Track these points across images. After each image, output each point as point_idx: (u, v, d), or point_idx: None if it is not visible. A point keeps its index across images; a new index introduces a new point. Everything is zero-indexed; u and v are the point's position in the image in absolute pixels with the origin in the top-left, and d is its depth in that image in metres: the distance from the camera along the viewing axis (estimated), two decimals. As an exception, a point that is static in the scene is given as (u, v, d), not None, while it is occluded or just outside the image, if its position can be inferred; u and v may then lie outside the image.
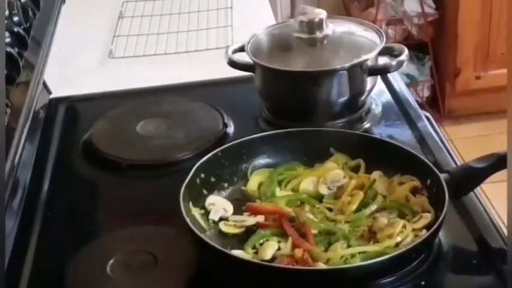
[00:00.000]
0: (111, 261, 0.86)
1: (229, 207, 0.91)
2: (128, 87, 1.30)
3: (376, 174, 0.92)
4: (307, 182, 0.93)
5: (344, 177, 0.93)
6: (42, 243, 0.94)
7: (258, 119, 1.14)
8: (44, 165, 1.09)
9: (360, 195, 0.88)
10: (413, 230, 0.83)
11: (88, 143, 1.12)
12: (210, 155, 0.94)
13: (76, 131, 1.18)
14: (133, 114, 1.17)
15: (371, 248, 0.82)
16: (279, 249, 0.83)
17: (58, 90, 1.28)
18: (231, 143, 0.98)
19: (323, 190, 0.92)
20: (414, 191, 0.90)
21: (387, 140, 0.98)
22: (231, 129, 1.12)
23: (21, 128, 0.92)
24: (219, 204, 0.91)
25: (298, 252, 0.80)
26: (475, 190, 0.93)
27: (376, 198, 0.88)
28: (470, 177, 0.89)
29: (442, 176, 0.87)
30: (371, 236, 0.84)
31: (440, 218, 0.80)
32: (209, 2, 1.62)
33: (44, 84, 1.23)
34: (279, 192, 0.93)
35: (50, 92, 1.27)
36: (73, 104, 1.27)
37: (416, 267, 0.82)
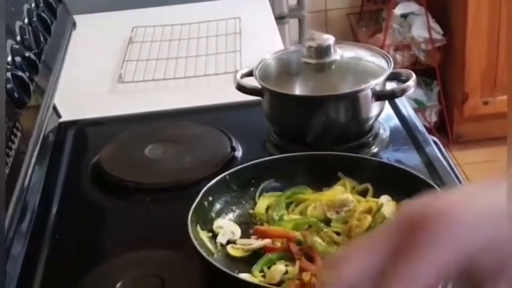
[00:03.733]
0: (119, 285, 0.85)
1: (237, 231, 0.91)
2: (137, 111, 1.31)
3: (384, 199, 0.92)
4: (315, 206, 0.93)
5: (352, 201, 0.92)
6: (50, 266, 0.94)
7: (265, 143, 1.14)
8: (53, 188, 1.10)
9: (368, 219, 0.88)
10: None
11: (96, 167, 1.13)
12: (218, 178, 0.94)
13: (85, 155, 1.19)
14: (141, 138, 1.18)
15: None
16: (286, 272, 0.83)
17: (68, 114, 1.29)
18: (239, 167, 0.98)
19: (331, 214, 0.92)
20: None
21: (395, 164, 0.98)
22: (239, 153, 1.12)
23: (31, 151, 0.92)
24: (226, 227, 0.91)
25: (306, 276, 0.80)
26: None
27: (384, 223, 0.88)
28: None
29: None
30: None
31: None
32: (218, 28, 1.64)
33: (54, 108, 1.24)
34: (286, 215, 0.93)
35: (59, 116, 1.28)
36: (82, 128, 1.28)
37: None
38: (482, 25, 2.70)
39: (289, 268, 0.83)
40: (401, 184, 0.93)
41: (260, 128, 1.16)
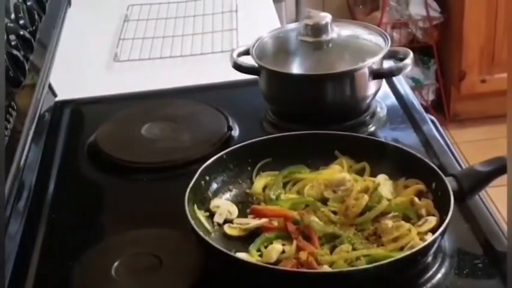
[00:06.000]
0: (116, 264, 0.86)
1: (234, 210, 0.91)
2: (133, 90, 1.30)
3: (381, 178, 0.92)
4: (312, 185, 0.93)
5: (349, 180, 0.92)
6: (47, 245, 0.94)
7: (262, 122, 1.14)
8: (50, 167, 1.09)
9: (365, 198, 0.88)
10: (418, 233, 0.83)
11: (93, 146, 1.12)
12: (215, 157, 0.94)
13: (81, 134, 1.19)
14: (138, 117, 1.18)
15: (376, 251, 0.81)
16: (283, 252, 0.83)
17: (63, 93, 1.29)
18: (236, 146, 0.98)
19: (328, 194, 0.92)
20: (419, 195, 0.89)
21: (392, 143, 0.98)
22: (235, 132, 1.12)
23: (27, 130, 0.92)
24: (223, 206, 0.91)
25: (303, 255, 0.80)
26: (480, 193, 0.93)
27: (381, 202, 0.88)
28: (476, 180, 0.89)
29: (447, 180, 0.87)
30: (376, 239, 0.84)
31: (446, 222, 0.80)
32: (214, 6, 1.63)
33: (50, 87, 1.23)
34: (283, 195, 0.93)
35: (55, 95, 1.28)
36: (78, 107, 1.27)
37: (421, 271, 0.82)
38: (480, 3, 2.68)
39: (287, 247, 0.83)
40: (398, 163, 0.93)
41: (257, 106, 1.15)
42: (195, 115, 1.17)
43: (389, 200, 0.89)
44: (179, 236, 0.88)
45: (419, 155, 0.93)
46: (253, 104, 1.17)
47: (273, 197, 0.92)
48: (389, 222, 0.84)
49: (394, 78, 1.21)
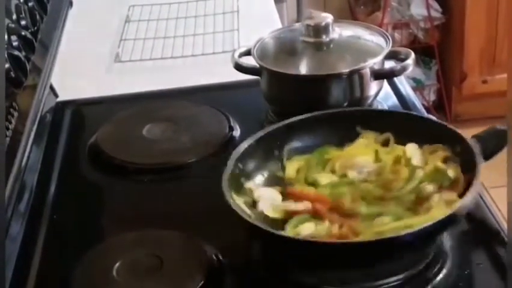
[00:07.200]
0: (117, 265, 0.86)
1: (278, 197, 0.89)
2: (134, 90, 1.30)
3: (411, 147, 0.92)
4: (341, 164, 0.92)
5: (375, 161, 0.91)
6: (48, 246, 0.94)
7: (264, 122, 1.14)
8: (51, 168, 1.10)
9: (405, 171, 0.87)
10: (447, 201, 0.82)
11: (94, 147, 1.13)
12: (246, 146, 0.92)
13: (82, 135, 1.19)
14: (139, 118, 1.18)
15: (416, 219, 0.80)
16: (316, 229, 0.82)
17: (65, 94, 1.29)
18: (268, 131, 0.95)
19: (352, 175, 0.91)
20: (445, 160, 0.89)
21: (412, 112, 0.97)
22: (237, 133, 1.12)
23: (28, 131, 0.92)
24: (266, 195, 0.89)
25: (340, 230, 0.80)
26: (481, 194, 0.93)
27: (416, 172, 0.87)
28: (497, 138, 0.90)
29: (471, 142, 0.87)
30: (419, 206, 0.83)
31: (476, 178, 0.80)
32: (215, 6, 1.63)
33: (51, 88, 1.23)
34: (321, 177, 0.91)
35: (56, 96, 1.28)
36: (79, 108, 1.28)
37: (422, 271, 0.82)
38: (481, 3, 2.68)
39: (319, 226, 0.82)
40: (421, 131, 0.92)
41: (258, 107, 1.15)
42: (196, 116, 1.17)
43: (419, 167, 0.88)
44: (181, 236, 0.89)
45: (441, 121, 0.93)
46: (254, 104, 1.17)
47: (310, 179, 0.91)
48: (430, 187, 0.84)
49: (395, 79, 1.21)
